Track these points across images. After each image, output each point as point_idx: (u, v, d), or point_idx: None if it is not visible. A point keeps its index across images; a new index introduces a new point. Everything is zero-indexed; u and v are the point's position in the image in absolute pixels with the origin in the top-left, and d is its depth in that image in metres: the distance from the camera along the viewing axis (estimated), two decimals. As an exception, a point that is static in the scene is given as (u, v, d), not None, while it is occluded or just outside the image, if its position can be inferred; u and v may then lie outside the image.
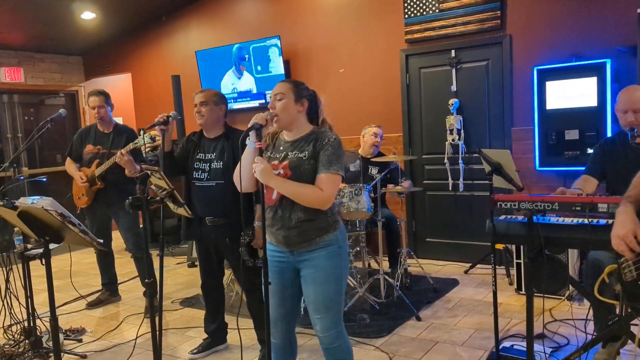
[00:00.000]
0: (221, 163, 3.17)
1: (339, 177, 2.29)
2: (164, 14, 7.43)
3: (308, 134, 2.38)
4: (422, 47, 5.48)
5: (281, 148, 2.40)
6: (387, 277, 4.27)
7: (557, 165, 4.72)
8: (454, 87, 5.32)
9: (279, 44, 6.14)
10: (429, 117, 5.54)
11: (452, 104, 5.28)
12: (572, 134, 4.61)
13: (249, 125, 2.30)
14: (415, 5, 5.39)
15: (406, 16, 5.47)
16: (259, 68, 6.43)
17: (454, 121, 5.29)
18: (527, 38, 4.91)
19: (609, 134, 4.44)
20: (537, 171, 4.85)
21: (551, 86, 4.68)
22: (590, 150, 4.51)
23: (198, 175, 3.21)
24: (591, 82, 4.50)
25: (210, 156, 3.22)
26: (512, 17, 4.96)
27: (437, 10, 5.29)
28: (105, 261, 4.67)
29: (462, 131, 5.29)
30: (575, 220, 2.64)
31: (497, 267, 5.06)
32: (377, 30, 5.72)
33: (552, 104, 4.70)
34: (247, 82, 6.60)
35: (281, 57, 6.19)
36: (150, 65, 7.69)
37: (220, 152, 3.20)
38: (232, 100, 6.69)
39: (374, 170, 4.86)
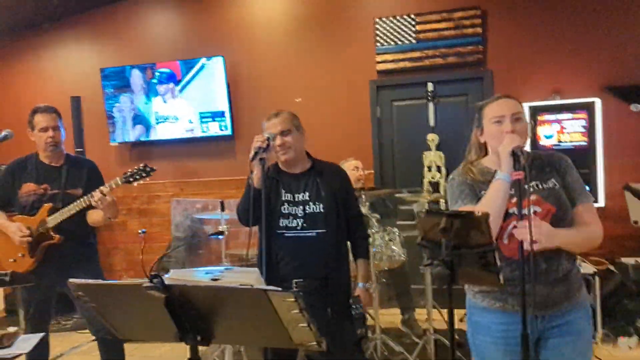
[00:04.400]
0: (321, 206, 2.33)
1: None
2: (44, 21, 5.90)
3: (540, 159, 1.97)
4: (395, 79, 5.12)
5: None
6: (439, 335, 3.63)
7: (549, 202, 4.67)
8: (432, 122, 5.03)
9: (222, 66, 5.23)
10: (403, 153, 5.16)
11: (433, 140, 4.97)
12: (563, 172, 4.61)
13: (509, 150, 1.76)
14: (388, 34, 5.03)
15: (378, 44, 5.07)
16: (192, 93, 5.38)
17: (434, 158, 4.98)
18: (508, 74, 4.86)
19: (600, 172, 4.53)
20: (528, 209, 4.74)
21: (540, 124, 4.67)
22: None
23: (289, 222, 2.31)
24: (580, 120, 4.58)
25: (303, 196, 2.37)
26: (493, 53, 4.89)
27: (413, 41, 5.00)
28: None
29: (442, 168, 4.99)
30: None
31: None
32: (342, 58, 5.21)
33: (541, 141, 4.67)
34: (174, 108, 5.48)
35: (226, 82, 5.28)
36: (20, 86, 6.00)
37: (316, 192, 2.36)
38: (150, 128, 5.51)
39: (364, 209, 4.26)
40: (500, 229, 1.83)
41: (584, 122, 4.58)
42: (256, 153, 2.21)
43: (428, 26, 4.95)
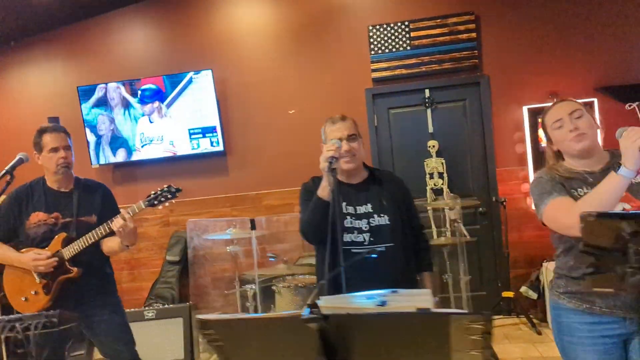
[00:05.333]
0: (386, 218, 2.19)
1: None
2: (11, 39, 5.52)
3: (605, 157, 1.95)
4: (391, 87, 5.04)
5: (591, 179, 1.89)
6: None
7: (553, 203, 4.68)
8: (430, 129, 4.98)
9: (211, 80, 5.01)
10: (403, 161, 5.07)
11: (434, 146, 4.92)
12: (566, 172, 4.64)
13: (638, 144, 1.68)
14: (382, 42, 4.96)
15: (372, 52, 4.99)
16: (180, 109, 5.12)
17: (436, 164, 4.92)
18: (504, 78, 4.86)
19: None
20: (533, 211, 4.74)
21: (540, 126, 4.69)
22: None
23: (354, 237, 2.15)
24: (580, 121, 4.63)
25: (366, 209, 2.21)
26: (488, 57, 4.89)
27: (408, 47, 4.94)
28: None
29: (444, 174, 4.94)
30: None
31: (517, 317, 4.77)
32: (336, 67, 5.09)
33: (542, 143, 4.69)
34: (161, 127, 5.19)
35: (216, 96, 5.05)
36: (-9, 106, 5.57)
37: (379, 202, 2.22)
38: (135, 148, 5.21)
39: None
40: None
41: (583, 122, 4.63)
42: (330, 163, 2.05)
43: (422, 32, 4.91)
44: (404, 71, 4.96)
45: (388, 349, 1.13)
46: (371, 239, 2.17)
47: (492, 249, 4.93)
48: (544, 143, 4.69)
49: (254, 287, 3.51)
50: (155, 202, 2.63)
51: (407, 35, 4.93)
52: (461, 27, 4.86)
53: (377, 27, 4.96)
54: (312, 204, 2.17)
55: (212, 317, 1.18)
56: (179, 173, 5.29)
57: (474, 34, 4.85)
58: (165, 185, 2.69)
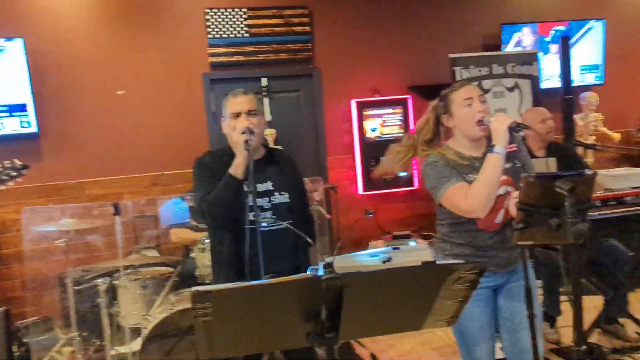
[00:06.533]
0: (286, 195, 2.24)
1: None
2: None
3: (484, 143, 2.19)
4: (229, 73, 4.99)
5: (477, 165, 2.10)
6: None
7: (376, 189, 5.20)
8: (267, 117, 5.08)
9: (22, 51, 4.33)
10: (240, 149, 5.07)
11: (272, 134, 5.04)
12: (387, 160, 5.19)
13: (510, 126, 1.97)
14: (220, 26, 4.88)
15: (210, 36, 4.88)
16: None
17: (273, 152, 5.04)
18: (334, 72, 5.21)
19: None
20: (359, 196, 5.21)
21: (365, 118, 5.17)
22: (403, 173, 5.23)
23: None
24: (398, 114, 5.23)
25: (267, 186, 2.23)
26: (320, 52, 5.19)
27: (246, 35, 4.96)
28: None
29: (280, 162, 5.09)
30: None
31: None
32: (171, 49, 4.82)
33: (367, 134, 5.18)
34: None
35: (28, 70, 4.38)
36: None
37: (277, 180, 2.25)
38: None
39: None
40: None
41: (400, 116, 5.25)
42: (245, 136, 1.98)
43: (259, 21, 4.97)
44: (241, 58, 4.96)
45: (383, 302, 1.19)
46: (273, 216, 2.18)
47: (326, 231, 5.27)
48: (368, 134, 5.19)
49: (106, 280, 3.19)
50: (-5, 182, 2.23)
51: (245, 22, 4.94)
52: (296, 20, 5.06)
53: (215, 10, 4.86)
54: (223, 183, 2.09)
55: (214, 287, 1.10)
56: (-23, 158, 4.45)
57: (308, 28, 5.09)
58: (7, 161, 2.30)
